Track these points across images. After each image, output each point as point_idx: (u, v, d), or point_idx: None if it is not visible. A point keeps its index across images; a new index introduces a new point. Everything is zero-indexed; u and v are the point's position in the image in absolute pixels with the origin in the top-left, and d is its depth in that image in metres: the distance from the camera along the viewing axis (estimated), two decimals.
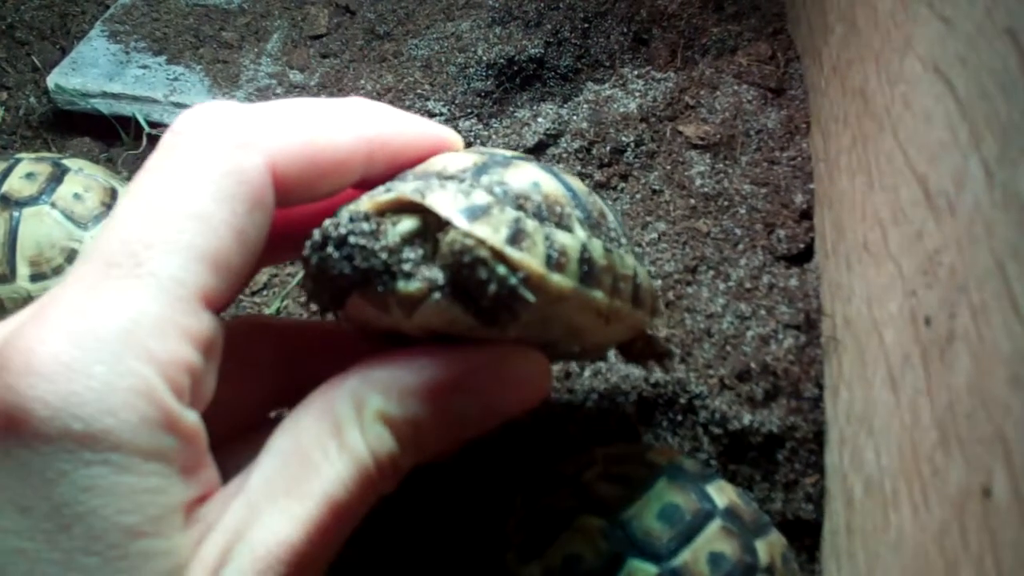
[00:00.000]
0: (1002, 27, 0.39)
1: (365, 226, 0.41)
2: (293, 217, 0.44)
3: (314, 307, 0.44)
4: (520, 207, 0.45)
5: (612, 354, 0.65)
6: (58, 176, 0.80)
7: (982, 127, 0.41)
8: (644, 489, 0.52)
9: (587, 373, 0.64)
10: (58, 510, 0.33)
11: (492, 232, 0.42)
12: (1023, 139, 0.36)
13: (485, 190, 0.44)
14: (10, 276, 0.76)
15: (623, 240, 0.50)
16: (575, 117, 0.86)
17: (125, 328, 0.35)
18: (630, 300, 0.49)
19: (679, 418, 0.62)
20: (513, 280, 0.42)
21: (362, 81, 0.94)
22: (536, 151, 0.83)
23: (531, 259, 0.43)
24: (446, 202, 0.43)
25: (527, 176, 0.46)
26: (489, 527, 0.55)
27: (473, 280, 0.42)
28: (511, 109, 0.89)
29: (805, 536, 0.59)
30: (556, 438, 0.60)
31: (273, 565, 0.36)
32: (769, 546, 0.51)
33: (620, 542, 0.49)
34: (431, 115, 0.86)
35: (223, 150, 0.39)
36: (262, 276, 0.75)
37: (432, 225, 0.43)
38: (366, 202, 0.43)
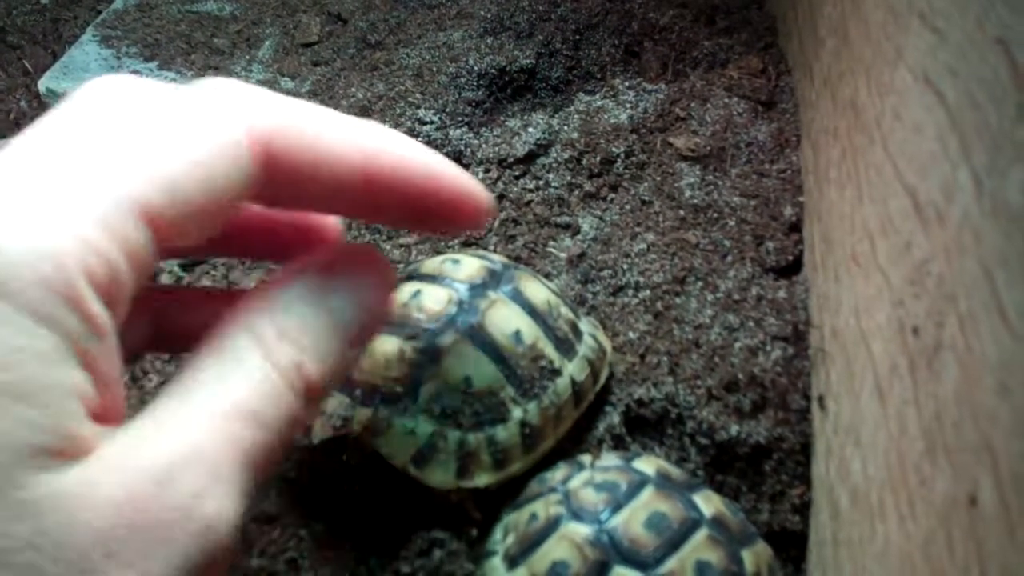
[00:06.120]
0: (993, 37, 0.40)
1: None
2: (280, 223, 0.45)
3: None
4: (459, 425, 0.53)
5: None
6: None
7: (972, 137, 0.41)
8: (631, 497, 0.52)
9: None
10: None
11: (443, 474, 0.52)
12: (1012, 148, 0.37)
13: (426, 415, 0.53)
14: None
15: (562, 346, 0.58)
16: (566, 127, 0.86)
17: (51, 200, 0.33)
18: (573, 407, 0.58)
19: (666, 428, 0.62)
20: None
21: (353, 89, 0.93)
22: (526, 161, 0.83)
23: (482, 475, 0.53)
24: (399, 452, 0.52)
25: (462, 370, 0.53)
26: (475, 533, 0.55)
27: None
28: (502, 118, 0.89)
29: (791, 547, 0.59)
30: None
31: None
32: (755, 556, 0.51)
33: (606, 550, 0.49)
34: (422, 123, 0.86)
35: (204, 104, 0.37)
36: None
37: None
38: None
